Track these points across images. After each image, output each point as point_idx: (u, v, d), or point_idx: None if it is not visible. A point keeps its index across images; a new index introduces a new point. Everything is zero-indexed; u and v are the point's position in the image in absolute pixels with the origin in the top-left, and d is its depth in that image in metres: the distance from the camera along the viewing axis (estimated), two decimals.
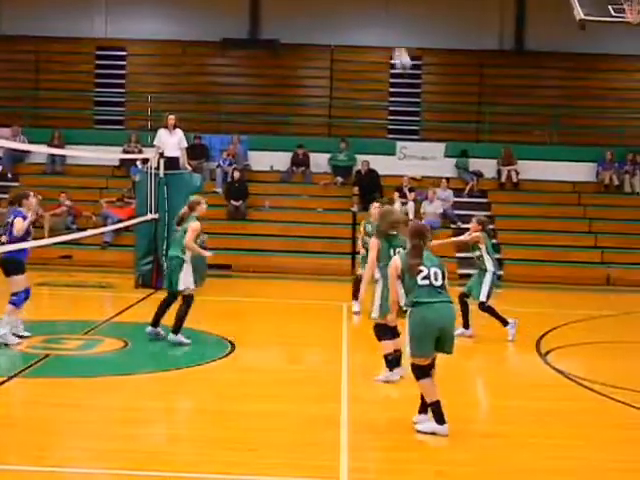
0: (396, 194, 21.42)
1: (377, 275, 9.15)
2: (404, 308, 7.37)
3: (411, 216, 21.12)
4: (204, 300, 15.91)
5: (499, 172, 22.89)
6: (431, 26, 25.07)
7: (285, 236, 20.79)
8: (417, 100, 25.45)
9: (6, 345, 10.46)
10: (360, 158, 22.53)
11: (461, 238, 12.69)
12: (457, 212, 21.58)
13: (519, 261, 20.05)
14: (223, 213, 21.30)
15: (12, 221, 10.55)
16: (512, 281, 18.85)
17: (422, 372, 7.33)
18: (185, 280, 10.91)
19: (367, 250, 12.90)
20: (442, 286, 7.31)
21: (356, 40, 25.16)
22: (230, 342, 11.25)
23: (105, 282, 17.04)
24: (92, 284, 16.78)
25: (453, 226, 21.30)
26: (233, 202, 21.35)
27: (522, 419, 8.27)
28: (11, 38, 25.17)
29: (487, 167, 23.03)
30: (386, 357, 9.12)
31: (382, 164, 22.44)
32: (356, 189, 21.94)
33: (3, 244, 10.51)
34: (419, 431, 7.36)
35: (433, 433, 7.30)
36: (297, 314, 14.21)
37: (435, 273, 7.29)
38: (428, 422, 7.40)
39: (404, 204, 21.33)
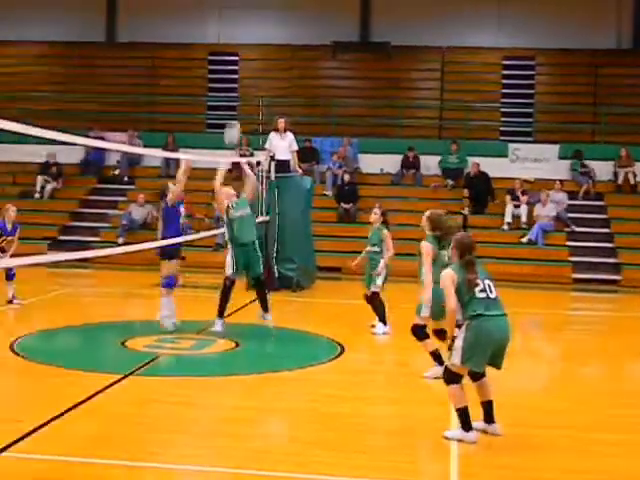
0: (508, 197, 21.09)
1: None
2: (459, 322, 7.26)
3: (524, 219, 20.77)
4: (314, 302, 16.05)
5: (616, 174, 22.26)
6: (544, 26, 24.62)
7: (395, 239, 20.65)
8: (530, 101, 25.02)
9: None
10: (471, 160, 22.26)
11: None
12: (571, 215, 21.06)
13: (637, 266, 19.49)
14: (333, 216, 21.40)
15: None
16: (631, 286, 18.51)
17: (456, 378, 7.24)
18: None
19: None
20: (496, 298, 7.28)
21: (468, 41, 24.93)
22: (339, 344, 11.27)
23: (217, 283, 17.23)
24: (205, 285, 17.02)
25: (567, 230, 20.83)
26: (343, 205, 21.40)
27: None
28: (128, 45, 25.94)
29: (603, 169, 22.43)
30: (433, 353, 9.37)
31: (494, 166, 22.10)
32: (466, 192, 21.65)
33: (120, 245, 10.88)
34: (447, 438, 7.19)
35: (460, 440, 7.12)
36: (405, 316, 14.07)
37: (489, 285, 7.27)
38: (457, 430, 7.25)
39: (517, 207, 20.98)
